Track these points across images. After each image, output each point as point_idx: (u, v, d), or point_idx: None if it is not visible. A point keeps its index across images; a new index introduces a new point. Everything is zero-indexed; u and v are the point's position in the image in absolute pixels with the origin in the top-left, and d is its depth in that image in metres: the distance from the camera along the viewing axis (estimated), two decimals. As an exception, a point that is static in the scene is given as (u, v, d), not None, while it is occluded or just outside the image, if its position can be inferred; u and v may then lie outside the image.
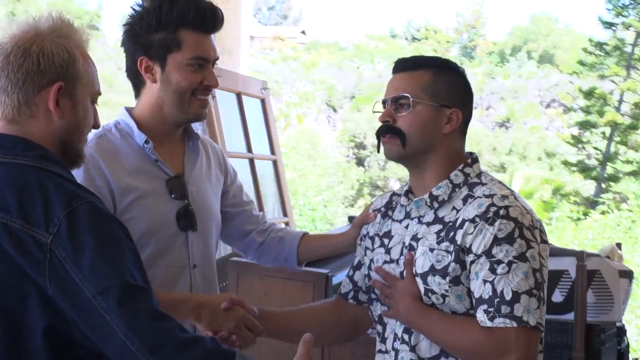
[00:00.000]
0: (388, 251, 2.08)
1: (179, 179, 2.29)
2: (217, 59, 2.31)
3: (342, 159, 23.99)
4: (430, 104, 1.99)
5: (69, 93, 1.68)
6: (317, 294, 3.14)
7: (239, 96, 4.73)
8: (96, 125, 1.80)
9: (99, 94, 1.79)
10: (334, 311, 2.30)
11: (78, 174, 2.12)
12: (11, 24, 1.69)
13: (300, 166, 19.96)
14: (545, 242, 1.91)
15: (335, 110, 27.11)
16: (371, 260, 2.15)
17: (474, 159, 2.06)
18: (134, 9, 2.25)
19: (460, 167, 2.02)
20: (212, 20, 2.25)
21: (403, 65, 2.06)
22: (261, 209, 4.78)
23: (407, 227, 2.05)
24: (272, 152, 5.09)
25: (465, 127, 2.07)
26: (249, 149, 4.80)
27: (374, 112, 2.10)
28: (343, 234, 2.47)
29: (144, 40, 2.23)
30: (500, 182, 2.01)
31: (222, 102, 4.52)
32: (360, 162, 24.77)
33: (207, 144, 2.51)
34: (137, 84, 2.30)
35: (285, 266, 2.59)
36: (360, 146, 24.97)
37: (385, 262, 2.08)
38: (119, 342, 1.52)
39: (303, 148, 21.20)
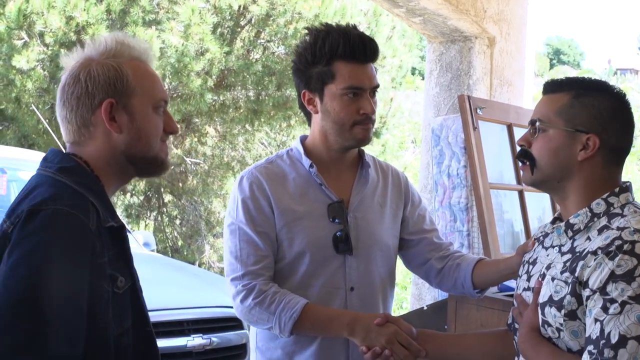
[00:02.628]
0: (529, 278, 2.00)
1: (340, 204, 2.41)
2: (375, 87, 2.40)
3: None
4: (562, 129, 1.88)
5: (123, 107, 1.76)
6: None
7: (509, 127, 4.67)
8: (171, 131, 1.86)
9: (164, 100, 1.85)
10: (500, 341, 2.24)
11: (246, 193, 2.37)
12: (70, 57, 1.82)
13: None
14: None
15: None
16: (516, 287, 2.09)
17: (623, 188, 1.89)
18: (297, 47, 2.44)
19: (605, 195, 1.87)
20: (363, 50, 2.35)
21: (547, 87, 1.97)
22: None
23: (548, 255, 1.96)
24: (550, 185, 4.91)
25: (614, 154, 1.90)
26: (519, 181, 4.69)
27: None
28: (507, 260, 2.42)
29: (304, 75, 2.41)
30: None
31: (489, 133, 4.50)
32: None
33: (388, 171, 2.61)
34: (306, 115, 2.49)
35: (467, 294, 2.58)
36: None
37: (524, 289, 2.01)
38: None
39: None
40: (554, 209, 4.89)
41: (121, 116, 1.77)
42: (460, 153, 4.45)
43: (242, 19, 10.24)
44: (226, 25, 10.07)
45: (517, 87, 5.14)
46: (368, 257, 2.44)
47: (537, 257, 2.02)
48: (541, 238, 2.08)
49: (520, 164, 1.97)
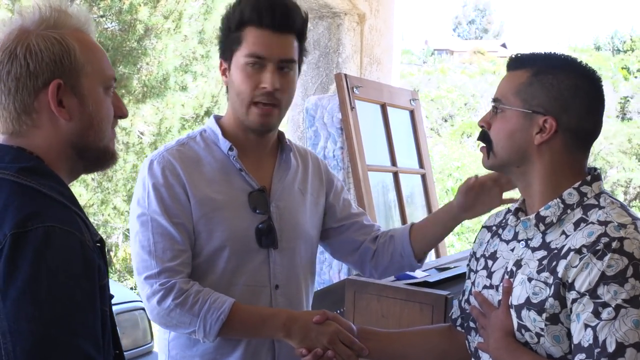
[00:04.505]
0: (490, 275, 1.83)
1: (262, 192, 2.16)
2: (284, 60, 2.10)
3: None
4: (519, 109, 1.70)
5: (71, 89, 1.48)
6: (436, 317, 2.93)
7: (383, 107, 4.56)
8: (121, 114, 1.58)
9: (114, 78, 1.57)
10: (444, 338, 2.10)
11: (158, 179, 2.07)
12: None
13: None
14: None
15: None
16: (473, 283, 1.92)
17: (595, 176, 1.72)
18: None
19: (577, 184, 1.70)
20: (271, 15, 2.07)
21: (508, 63, 1.78)
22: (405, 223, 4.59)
23: (513, 249, 1.79)
24: (421, 165, 4.87)
25: (576, 138, 1.72)
26: (394, 162, 4.60)
27: None
28: (446, 207, 2.26)
29: (220, 42, 2.15)
30: (622, 207, 1.67)
31: (365, 113, 4.38)
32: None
33: (307, 156, 2.37)
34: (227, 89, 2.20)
35: (406, 267, 2.37)
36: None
37: (485, 286, 1.84)
38: None
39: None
40: (425, 192, 4.86)
41: (70, 100, 1.48)
42: (336, 134, 4.30)
43: (73, -9, 9.66)
44: (56, -2, 9.48)
45: (386, 65, 5.04)
46: (292, 251, 2.21)
47: (495, 251, 1.86)
48: (495, 229, 1.93)
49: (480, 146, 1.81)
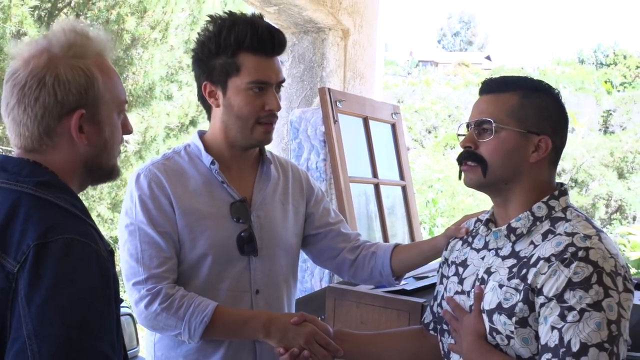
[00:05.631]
0: (461, 281, 1.96)
1: (243, 203, 2.29)
2: (281, 81, 2.29)
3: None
4: (515, 130, 1.82)
5: (91, 116, 1.60)
6: (413, 323, 3.03)
7: (365, 120, 4.69)
8: (127, 132, 1.71)
9: (125, 102, 1.70)
10: (416, 340, 2.22)
11: (145, 191, 2.19)
12: (20, 45, 1.61)
13: (471, 190, 19.40)
14: (629, 291, 1.71)
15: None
16: (445, 289, 2.04)
17: (561, 191, 1.87)
18: (199, 35, 2.28)
19: (545, 199, 1.84)
20: (270, 42, 2.23)
21: (490, 87, 1.89)
22: (386, 234, 4.71)
23: (483, 258, 1.91)
24: (402, 177, 5.00)
25: (557, 155, 1.89)
26: (375, 174, 4.73)
27: (458, 135, 1.96)
28: (432, 241, 2.39)
29: (206, 66, 2.26)
30: (587, 220, 1.81)
31: (347, 126, 4.50)
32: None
33: (288, 167, 2.51)
34: (206, 108, 2.34)
35: (384, 282, 2.52)
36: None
37: (456, 292, 1.97)
38: None
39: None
40: (406, 203, 4.98)
41: (89, 126, 1.60)
42: (319, 146, 4.42)
43: (60, 1, 9.75)
44: (44, 8, 9.56)
45: (369, 80, 5.18)
46: (272, 258, 2.34)
47: (466, 259, 1.98)
48: (468, 239, 2.05)
49: (462, 165, 1.90)
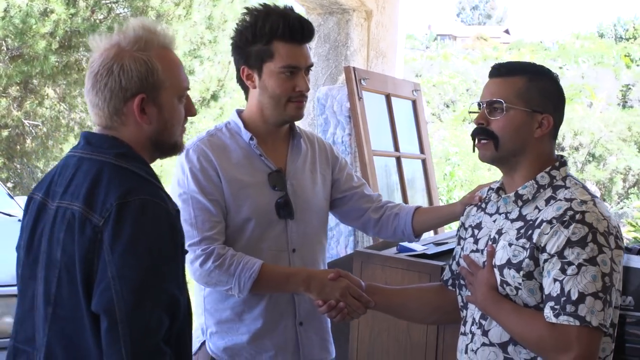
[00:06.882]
0: (476, 241, 2.23)
1: (279, 172, 2.59)
2: (310, 66, 2.58)
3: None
4: (523, 109, 2.10)
5: (152, 100, 1.87)
6: (433, 284, 3.30)
7: (388, 97, 4.95)
8: (191, 115, 1.99)
9: (187, 88, 1.96)
10: (437, 294, 2.48)
11: (195, 164, 2.50)
12: (98, 39, 1.90)
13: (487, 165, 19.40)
14: (620, 247, 1.99)
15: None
16: (462, 249, 2.32)
17: (562, 163, 2.16)
18: (237, 24, 2.57)
19: (548, 169, 2.12)
20: (300, 32, 2.51)
21: (499, 71, 2.17)
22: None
23: (495, 221, 2.19)
24: (422, 151, 5.27)
25: (556, 131, 2.17)
26: (397, 148, 5.01)
27: (470, 112, 2.24)
28: (450, 207, 2.71)
29: (244, 52, 2.55)
30: (583, 187, 2.10)
31: (370, 103, 4.77)
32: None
33: (314, 140, 2.81)
34: (244, 90, 2.64)
35: (405, 239, 2.86)
36: (558, 148, 24.09)
37: (472, 251, 2.23)
38: (112, 326, 1.71)
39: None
40: (425, 176, 5.25)
41: (151, 108, 1.88)
42: (345, 121, 4.70)
43: (86, -21, 9.97)
44: (70, -16, 9.77)
45: (390, 59, 5.44)
46: (305, 220, 2.64)
47: (480, 222, 2.27)
48: (482, 205, 2.34)
49: (476, 141, 2.18)
